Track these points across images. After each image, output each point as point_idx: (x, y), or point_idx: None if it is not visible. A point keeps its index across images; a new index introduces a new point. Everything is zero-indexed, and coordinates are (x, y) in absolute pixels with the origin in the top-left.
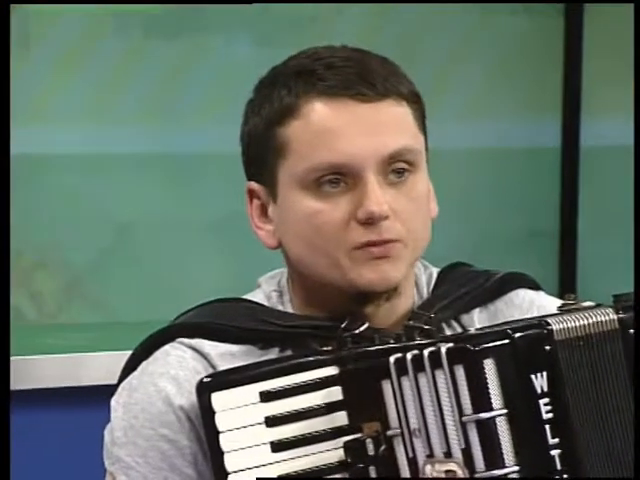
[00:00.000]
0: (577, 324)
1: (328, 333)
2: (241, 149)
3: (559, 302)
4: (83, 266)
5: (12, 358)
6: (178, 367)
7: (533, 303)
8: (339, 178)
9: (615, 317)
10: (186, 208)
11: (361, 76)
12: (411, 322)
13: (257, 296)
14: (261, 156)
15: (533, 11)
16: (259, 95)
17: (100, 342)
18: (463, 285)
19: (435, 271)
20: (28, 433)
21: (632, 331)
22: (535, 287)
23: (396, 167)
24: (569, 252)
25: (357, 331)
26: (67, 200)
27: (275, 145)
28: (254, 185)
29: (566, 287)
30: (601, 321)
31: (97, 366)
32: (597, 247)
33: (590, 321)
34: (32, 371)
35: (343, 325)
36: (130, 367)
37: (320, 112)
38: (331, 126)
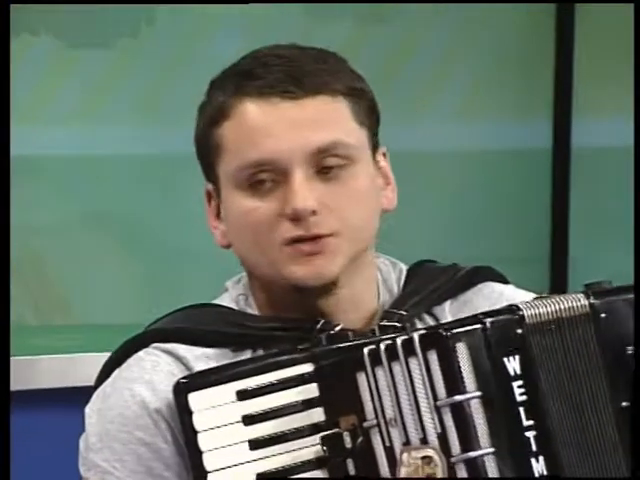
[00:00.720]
0: (548, 309)
1: (301, 334)
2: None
3: (529, 294)
4: (81, 266)
5: (21, 358)
6: (152, 372)
7: (502, 295)
8: (269, 175)
9: (586, 302)
10: (183, 209)
11: (289, 74)
12: (385, 321)
13: (225, 300)
14: (205, 156)
15: (524, 11)
16: (206, 96)
17: (100, 343)
18: (433, 280)
19: (404, 267)
20: (28, 434)
21: (604, 315)
22: (503, 281)
23: (328, 162)
24: (560, 254)
25: (332, 332)
26: (63, 201)
27: (213, 145)
28: (209, 186)
29: (557, 289)
30: (572, 306)
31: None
32: (589, 249)
33: (561, 306)
34: (31, 371)
35: (318, 326)
36: (104, 375)
37: (249, 111)
38: (258, 124)
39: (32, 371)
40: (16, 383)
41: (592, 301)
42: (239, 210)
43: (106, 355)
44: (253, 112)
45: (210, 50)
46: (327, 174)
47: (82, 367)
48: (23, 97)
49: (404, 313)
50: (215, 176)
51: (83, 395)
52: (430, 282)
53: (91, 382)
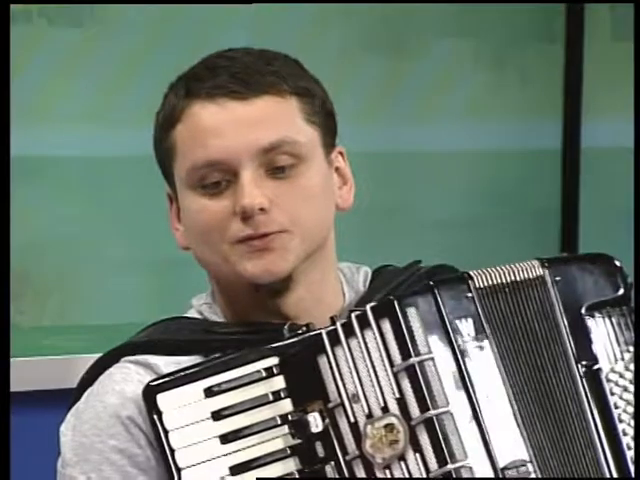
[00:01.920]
0: (500, 274)
1: (269, 335)
2: None
3: None
4: (83, 267)
5: (11, 360)
6: (123, 382)
7: None
8: (220, 175)
9: (540, 268)
10: None
11: (235, 75)
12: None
13: (190, 312)
14: (162, 161)
15: (534, 12)
16: (162, 101)
17: (101, 344)
18: (396, 276)
19: (369, 270)
20: (27, 435)
21: (559, 278)
22: None
23: (277, 160)
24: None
25: (299, 331)
26: (68, 201)
27: (167, 148)
28: (168, 189)
29: None
30: (526, 270)
31: None
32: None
33: (515, 271)
34: (32, 373)
35: (286, 327)
36: (78, 394)
37: (198, 113)
38: (206, 125)
39: (32, 372)
40: (16, 384)
41: (546, 268)
42: (192, 210)
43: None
44: (202, 114)
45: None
46: (277, 173)
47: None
48: (31, 98)
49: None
50: (171, 179)
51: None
52: (393, 279)
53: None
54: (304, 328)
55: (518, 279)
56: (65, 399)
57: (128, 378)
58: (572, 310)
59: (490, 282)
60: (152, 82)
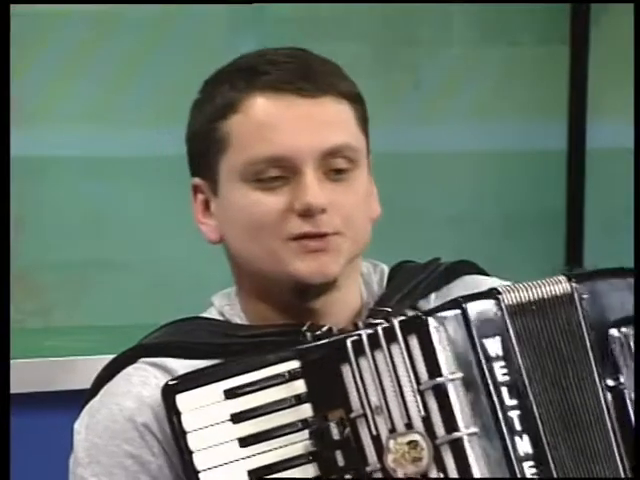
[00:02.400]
0: (528, 292)
1: (290, 338)
2: (186, 148)
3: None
4: (87, 268)
5: (13, 361)
6: (140, 386)
7: (485, 282)
8: (278, 171)
9: (567, 284)
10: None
11: (302, 72)
12: (370, 319)
13: (211, 313)
14: (203, 151)
15: (539, 13)
16: (202, 94)
17: (103, 345)
18: (415, 275)
19: (386, 268)
20: (30, 437)
21: (587, 296)
22: (484, 274)
23: (336, 163)
24: (575, 255)
25: (318, 332)
26: (70, 202)
27: (216, 139)
28: (198, 181)
29: None
30: (554, 288)
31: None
32: (604, 250)
33: (542, 289)
34: (34, 374)
35: (304, 328)
36: (93, 392)
37: (260, 106)
38: (271, 119)
39: (32, 373)
40: (16, 385)
41: (574, 283)
42: (243, 203)
43: (109, 357)
44: (264, 106)
45: (223, 52)
46: (335, 175)
47: (84, 369)
48: (34, 98)
49: (389, 310)
50: (213, 170)
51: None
52: (413, 278)
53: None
54: (323, 329)
55: (545, 296)
56: (68, 400)
57: (147, 382)
58: (598, 328)
59: (518, 299)
60: (154, 82)
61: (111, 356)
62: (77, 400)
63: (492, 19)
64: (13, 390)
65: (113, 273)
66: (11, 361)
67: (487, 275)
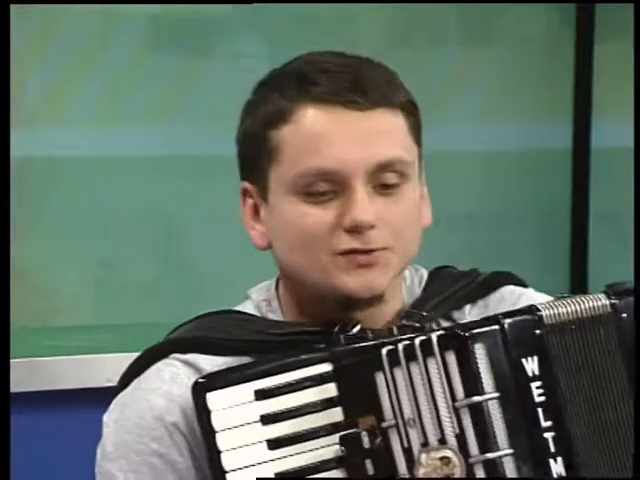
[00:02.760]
0: (568, 309)
1: (322, 338)
2: (237, 149)
3: (549, 297)
4: (95, 267)
5: (23, 360)
6: (171, 383)
7: (522, 296)
8: (328, 185)
9: (607, 302)
10: (201, 210)
11: (355, 83)
12: (404, 321)
13: (247, 307)
14: (254, 157)
15: (544, 13)
16: (256, 96)
17: (111, 344)
18: (453, 283)
19: (425, 272)
20: (39, 434)
21: (625, 315)
22: (522, 285)
23: (386, 178)
24: (580, 254)
25: (350, 333)
26: (78, 201)
27: (267, 148)
28: (247, 185)
29: (577, 288)
30: (593, 306)
31: (108, 368)
32: (608, 249)
33: (581, 306)
34: (32, 373)
35: (336, 328)
36: (124, 384)
37: (312, 117)
38: (322, 132)
39: (32, 373)
40: (17, 385)
41: (613, 301)
42: (292, 215)
43: (110, 356)
44: (315, 118)
45: (229, 51)
46: (384, 190)
47: (84, 369)
48: (38, 99)
49: (424, 314)
50: (263, 177)
51: (84, 397)
52: (450, 285)
53: (92, 384)
54: (355, 330)
55: (585, 315)
56: (66, 400)
57: (177, 380)
58: (631, 346)
59: (558, 319)
60: (157, 83)
61: (120, 355)
62: (75, 400)
63: (497, 18)
64: (16, 389)
65: (124, 271)
66: (14, 360)
67: (525, 286)
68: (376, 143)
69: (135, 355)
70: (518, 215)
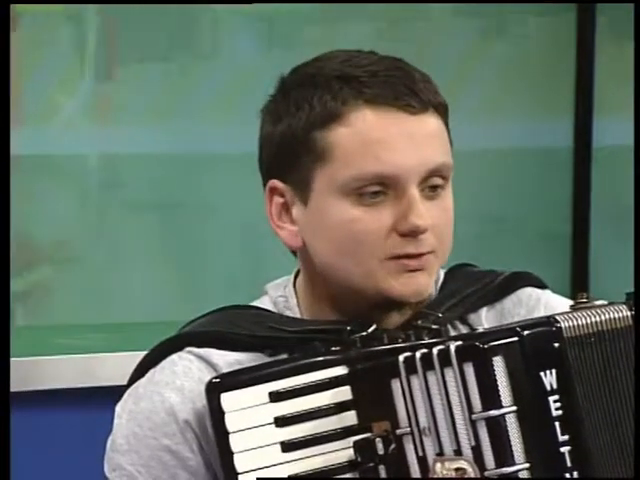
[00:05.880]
0: (587, 321)
1: (336, 336)
2: (263, 148)
3: (566, 301)
4: (98, 265)
5: (25, 359)
6: (184, 377)
7: (539, 301)
8: (380, 187)
9: (628, 314)
10: (204, 208)
11: (408, 87)
12: (419, 322)
13: (264, 302)
14: (294, 157)
15: (545, 11)
16: (293, 96)
17: (115, 342)
18: (470, 284)
19: (442, 272)
20: (39, 434)
21: None
22: (541, 286)
23: (434, 182)
24: (581, 253)
25: (365, 333)
26: (79, 199)
27: (315, 149)
28: (278, 184)
29: (578, 287)
30: (614, 318)
31: (111, 367)
32: (609, 248)
33: (602, 318)
34: (32, 372)
35: (350, 327)
36: (138, 374)
37: (368, 121)
38: (379, 136)
39: (33, 372)
40: (17, 384)
41: (634, 313)
42: (341, 218)
43: (111, 356)
44: (372, 122)
45: (229, 50)
46: (430, 193)
47: (97, 367)
48: (39, 98)
49: (440, 315)
50: (303, 177)
51: (84, 397)
52: (467, 286)
53: (93, 383)
54: (369, 331)
55: (605, 328)
56: (66, 400)
57: (190, 374)
58: None
59: (577, 331)
60: (159, 82)
61: (123, 354)
62: (75, 400)
63: (498, 16)
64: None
65: (125, 270)
66: (15, 359)
67: (545, 287)
68: (428, 148)
69: (135, 355)
70: (518, 213)
